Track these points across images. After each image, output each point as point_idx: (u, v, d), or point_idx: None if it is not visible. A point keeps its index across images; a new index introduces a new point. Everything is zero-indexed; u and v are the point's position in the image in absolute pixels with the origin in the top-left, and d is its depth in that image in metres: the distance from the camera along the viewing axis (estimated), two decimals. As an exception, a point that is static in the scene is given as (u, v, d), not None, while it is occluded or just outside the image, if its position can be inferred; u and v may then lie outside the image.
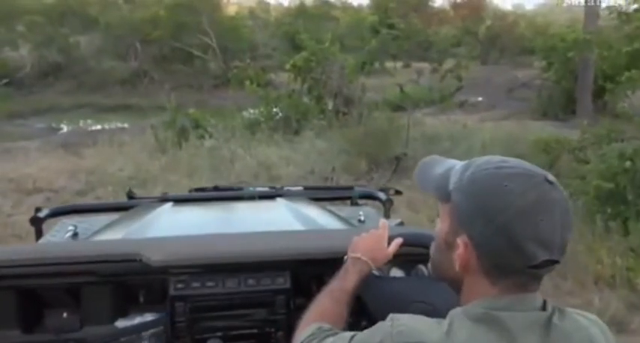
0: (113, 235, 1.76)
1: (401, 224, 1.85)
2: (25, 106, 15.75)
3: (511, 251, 0.74)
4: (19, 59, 18.85)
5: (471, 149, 7.04)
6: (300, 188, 2.48)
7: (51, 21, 19.21)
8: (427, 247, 1.18)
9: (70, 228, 2.04)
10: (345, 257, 1.16)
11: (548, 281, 3.40)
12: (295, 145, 7.33)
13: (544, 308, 0.77)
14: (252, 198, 2.27)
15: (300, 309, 1.21)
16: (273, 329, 1.36)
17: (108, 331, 1.33)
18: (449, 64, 9.81)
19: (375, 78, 12.46)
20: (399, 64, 14.21)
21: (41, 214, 2.15)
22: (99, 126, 14.23)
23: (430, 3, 31.15)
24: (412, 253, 1.26)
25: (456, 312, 0.78)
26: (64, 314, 1.36)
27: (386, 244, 1.17)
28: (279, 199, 2.23)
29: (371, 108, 8.67)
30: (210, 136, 7.61)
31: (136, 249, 1.34)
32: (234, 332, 1.34)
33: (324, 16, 25.11)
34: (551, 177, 0.77)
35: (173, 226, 1.85)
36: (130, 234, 1.70)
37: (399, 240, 1.19)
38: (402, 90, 12.93)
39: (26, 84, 18.27)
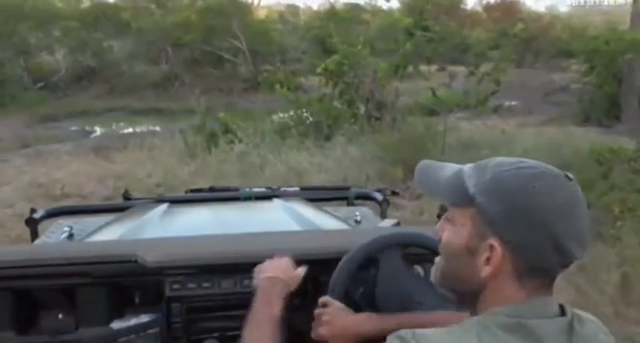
0: (109, 236, 1.75)
1: (397, 224, 1.82)
2: (59, 109, 16.00)
3: (551, 250, 0.74)
4: (54, 63, 19.21)
5: (511, 156, 6.68)
6: (296, 188, 2.47)
7: (85, 26, 19.52)
8: (421, 247, 1.24)
9: (66, 229, 2.04)
10: (254, 282, 1.15)
11: (609, 307, 3.08)
12: (326, 151, 7.09)
13: (563, 312, 0.77)
14: (248, 198, 2.26)
15: (297, 310, 1.28)
16: None
17: (103, 332, 1.32)
18: (485, 67, 9.43)
19: (408, 82, 12.17)
20: (434, 68, 13.85)
21: (36, 215, 2.14)
22: (130, 129, 14.36)
23: (462, 5, 30.56)
24: (410, 253, 1.27)
25: (482, 322, 0.75)
26: (60, 316, 1.35)
27: (292, 268, 1.17)
28: (275, 200, 2.21)
29: (404, 113, 8.39)
30: (240, 141, 7.45)
31: (132, 250, 1.33)
32: (230, 333, 1.33)
33: (354, 19, 24.90)
34: (570, 175, 0.77)
35: (169, 227, 1.84)
36: (126, 235, 1.69)
37: (304, 268, 1.20)
38: (434, 94, 12.63)
39: (61, 87, 18.61)
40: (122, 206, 2.32)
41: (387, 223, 1.86)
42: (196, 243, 1.45)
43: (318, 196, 2.46)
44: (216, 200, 2.30)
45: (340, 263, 1.24)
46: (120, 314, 1.36)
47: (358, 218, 2.19)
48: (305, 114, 8.56)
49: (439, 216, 1.33)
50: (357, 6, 28.80)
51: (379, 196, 2.39)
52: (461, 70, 13.55)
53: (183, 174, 6.24)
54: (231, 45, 19.51)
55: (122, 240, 1.63)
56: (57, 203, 5.42)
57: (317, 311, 1.18)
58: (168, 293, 1.30)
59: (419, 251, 1.26)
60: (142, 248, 1.35)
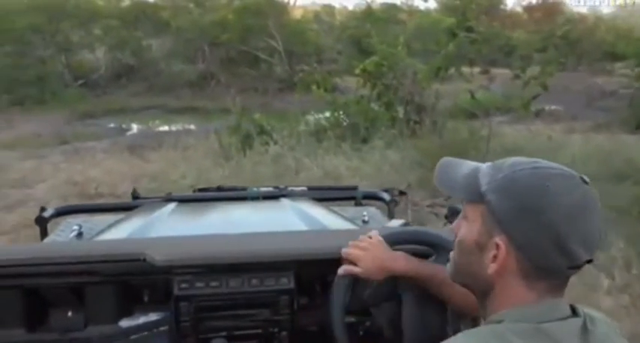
0: (117, 235, 1.76)
1: (406, 224, 1.82)
2: (98, 107, 16.24)
3: (556, 251, 0.73)
4: (94, 61, 19.57)
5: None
6: (304, 188, 2.48)
7: (125, 24, 19.81)
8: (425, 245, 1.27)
9: (75, 227, 2.06)
10: None
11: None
12: (364, 155, 6.86)
13: (575, 313, 0.77)
14: (255, 198, 2.27)
15: (304, 309, 1.32)
16: (276, 329, 1.35)
17: (112, 330, 1.33)
18: (532, 70, 9.04)
19: (446, 83, 11.82)
20: (476, 70, 13.37)
21: (46, 214, 2.16)
22: (166, 127, 14.47)
23: (501, 6, 29.75)
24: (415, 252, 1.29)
25: (494, 329, 0.74)
26: (69, 314, 1.35)
27: None
28: (282, 199, 2.22)
29: (444, 117, 8.08)
30: (275, 143, 7.30)
31: (140, 249, 1.33)
32: (238, 332, 1.34)
33: (390, 19, 24.53)
34: (585, 178, 0.77)
35: (177, 226, 1.86)
36: (134, 233, 1.71)
37: None
38: (472, 96, 12.23)
39: (100, 85, 18.91)
40: (131, 205, 2.32)
41: (395, 223, 1.84)
42: (204, 242, 1.45)
43: (325, 196, 2.46)
44: (224, 199, 2.30)
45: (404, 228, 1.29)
46: (129, 313, 1.36)
47: (366, 218, 2.18)
48: (342, 116, 8.35)
49: (447, 217, 1.45)
50: (393, 6, 28.40)
51: (387, 196, 2.39)
52: (503, 72, 13.07)
53: (217, 177, 6.11)
54: (267, 44, 19.47)
55: (131, 238, 1.64)
56: (91, 202, 5.38)
57: (361, 237, 1.23)
58: (176, 292, 1.30)
59: (426, 251, 1.29)
60: (151, 247, 1.34)
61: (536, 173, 0.76)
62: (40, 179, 6.58)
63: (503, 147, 7.13)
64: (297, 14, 24.80)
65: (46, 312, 1.36)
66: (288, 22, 20.92)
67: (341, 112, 8.26)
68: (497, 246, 0.76)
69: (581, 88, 17.71)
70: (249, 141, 7.25)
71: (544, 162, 0.78)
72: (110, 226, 1.95)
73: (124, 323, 1.34)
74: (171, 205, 2.08)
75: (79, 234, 2.01)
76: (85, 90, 18.16)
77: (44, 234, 2.15)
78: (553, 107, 14.34)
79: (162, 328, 1.33)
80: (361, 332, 1.29)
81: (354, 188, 2.64)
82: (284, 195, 2.28)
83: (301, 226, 1.78)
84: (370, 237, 1.24)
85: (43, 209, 2.20)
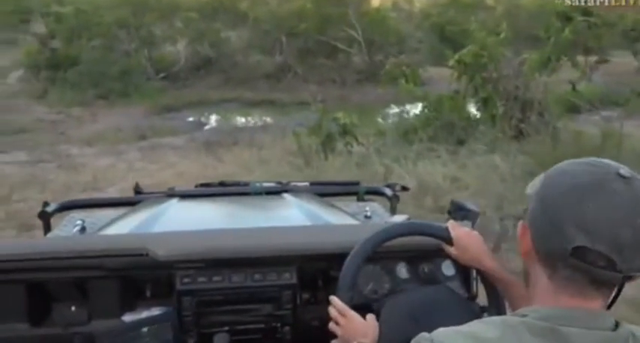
0: (120, 230, 1.76)
1: (408, 219, 1.66)
2: (178, 100, 16.33)
3: (552, 230, 0.74)
4: (175, 54, 19.75)
5: None
6: (306, 183, 2.49)
7: (204, 17, 19.84)
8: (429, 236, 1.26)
9: (78, 222, 2.05)
10: None
11: None
12: (462, 160, 5.90)
13: (616, 329, 0.73)
14: (258, 193, 2.25)
15: (306, 304, 1.40)
16: (279, 324, 1.36)
17: (115, 325, 1.31)
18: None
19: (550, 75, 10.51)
20: (592, 59, 11.91)
21: (49, 209, 2.15)
22: (243, 120, 14.30)
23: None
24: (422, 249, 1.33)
25: (507, 321, 0.75)
26: (72, 308, 1.35)
27: (368, 326, 1.11)
28: (285, 195, 2.20)
29: (558, 115, 6.93)
30: (360, 144, 6.53)
31: (143, 244, 1.34)
32: (241, 327, 1.35)
33: (478, 4, 23.01)
34: (625, 172, 0.73)
35: (179, 221, 1.83)
36: (137, 228, 1.71)
37: (372, 316, 1.13)
38: (574, 88, 10.89)
39: (180, 78, 19.05)
40: (133, 200, 2.30)
41: (398, 219, 1.79)
42: (207, 237, 1.45)
43: (328, 191, 2.47)
44: (227, 194, 2.28)
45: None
46: (132, 307, 1.35)
47: (368, 213, 2.19)
48: (431, 114, 7.42)
49: (449, 212, 1.57)
50: (481, -9, 26.69)
51: (389, 192, 2.37)
52: (620, 61, 11.50)
53: (295, 184, 5.47)
54: (346, 34, 18.77)
55: (133, 233, 1.65)
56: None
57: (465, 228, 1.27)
58: (179, 286, 1.31)
59: (429, 247, 1.27)
60: (153, 241, 1.36)
61: (574, 162, 0.77)
62: (112, 182, 6.28)
63: (635, 153, 5.89)
64: (375, 2, 23.92)
65: (50, 307, 1.36)
66: (368, 11, 20.07)
67: (431, 109, 7.34)
68: (522, 229, 0.81)
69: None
70: (330, 143, 6.52)
71: (600, 160, 0.77)
72: (113, 221, 1.96)
73: (127, 317, 1.32)
74: (174, 200, 2.09)
75: (82, 229, 2.00)
76: (166, 83, 18.37)
77: (47, 228, 2.15)
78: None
79: (165, 322, 1.31)
80: None
81: (356, 183, 2.67)
82: (286, 191, 2.26)
83: (303, 221, 1.78)
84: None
85: (46, 204, 2.18)
